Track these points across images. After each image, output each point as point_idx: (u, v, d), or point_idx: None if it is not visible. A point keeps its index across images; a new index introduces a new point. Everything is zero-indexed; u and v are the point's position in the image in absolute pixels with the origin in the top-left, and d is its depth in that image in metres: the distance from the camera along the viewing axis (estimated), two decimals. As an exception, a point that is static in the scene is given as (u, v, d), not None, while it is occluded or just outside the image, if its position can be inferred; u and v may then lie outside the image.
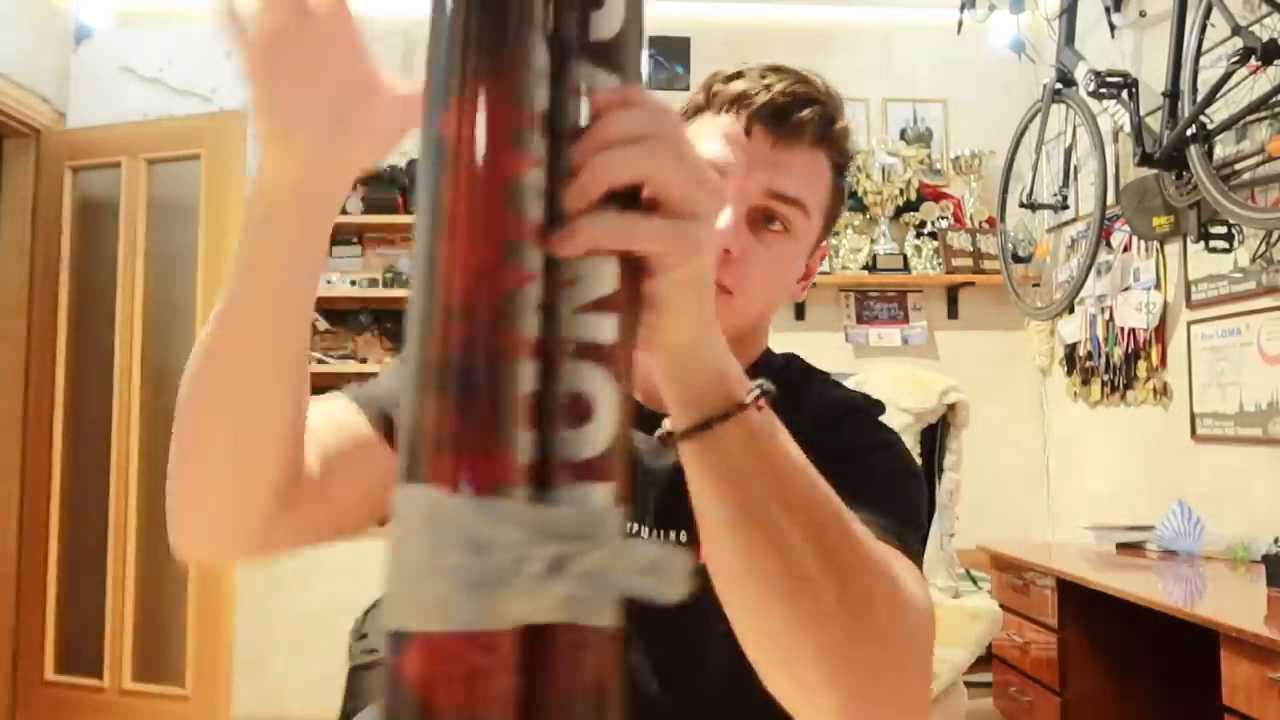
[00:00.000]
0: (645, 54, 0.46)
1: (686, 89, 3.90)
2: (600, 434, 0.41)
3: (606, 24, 0.43)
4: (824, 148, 0.86)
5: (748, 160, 0.83)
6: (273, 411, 0.65)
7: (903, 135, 4.14)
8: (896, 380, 2.20)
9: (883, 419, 0.88)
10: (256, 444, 0.65)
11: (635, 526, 0.82)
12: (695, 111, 0.88)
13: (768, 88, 0.83)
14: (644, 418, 0.58)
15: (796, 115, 0.83)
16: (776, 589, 0.56)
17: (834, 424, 0.83)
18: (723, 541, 0.57)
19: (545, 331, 0.40)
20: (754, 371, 0.86)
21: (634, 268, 0.46)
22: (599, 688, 0.40)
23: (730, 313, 0.80)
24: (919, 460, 2.21)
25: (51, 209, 3.56)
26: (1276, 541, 2.44)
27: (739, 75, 0.86)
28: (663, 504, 0.83)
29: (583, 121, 0.43)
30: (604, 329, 0.42)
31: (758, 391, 0.55)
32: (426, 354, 0.38)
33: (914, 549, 0.74)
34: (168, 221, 3.50)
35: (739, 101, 0.84)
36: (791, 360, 0.94)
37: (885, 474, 0.81)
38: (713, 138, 0.84)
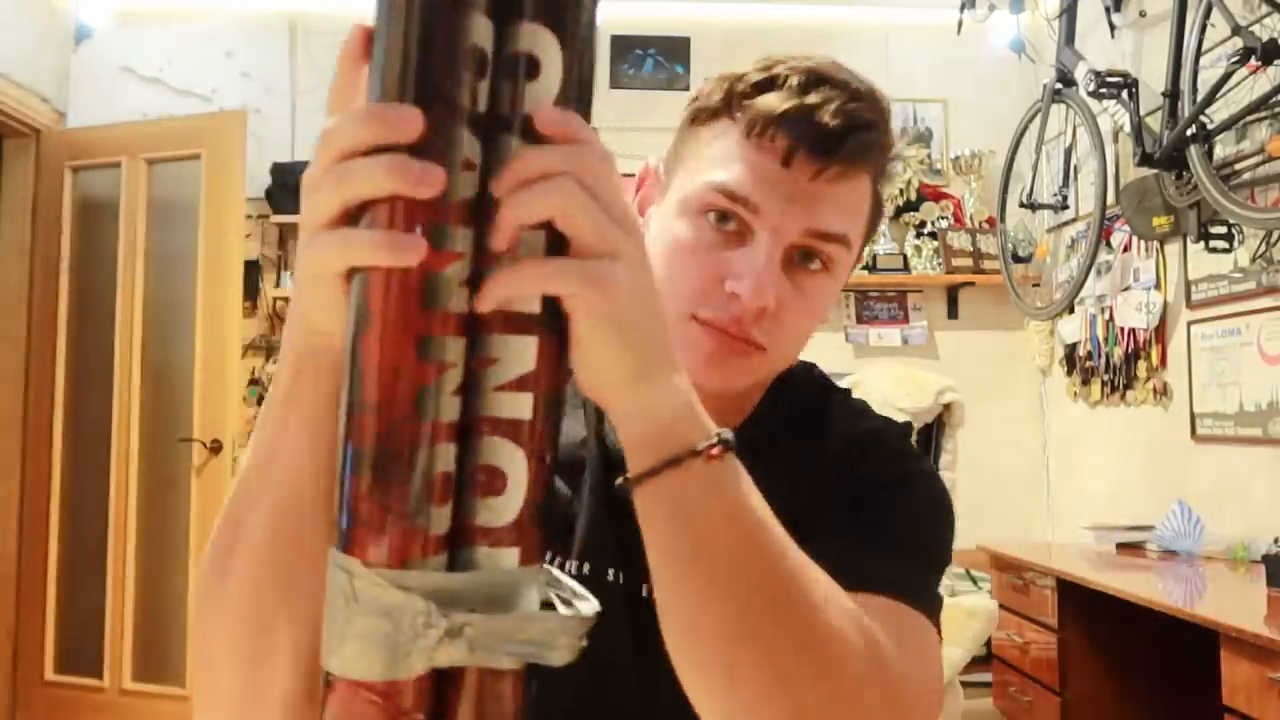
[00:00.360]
0: (586, 119, 0.46)
1: (686, 89, 3.91)
2: (512, 504, 0.45)
3: (542, 95, 0.44)
4: (872, 173, 0.74)
5: (785, 195, 0.69)
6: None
7: (902, 135, 4.14)
8: (893, 380, 2.21)
9: (908, 440, 0.82)
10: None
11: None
12: (711, 116, 0.74)
13: (812, 108, 0.69)
14: None
15: (848, 143, 0.69)
16: (715, 649, 0.52)
17: (856, 458, 0.77)
18: (663, 590, 0.54)
19: (465, 409, 0.44)
20: (774, 393, 0.81)
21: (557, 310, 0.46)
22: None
23: (763, 367, 0.74)
24: None
25: (51, 209, 3.56)
26: (1276, 541, 2.44)
27: (771, 82, 0.71)
28: None
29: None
30: (521, 406, 0.45)
31: (714, 439, 0.51)
32: (350, 440, 0.43)
33: (928, 600, 0.68)
34: (168, 221, 3.50)
35: (777, 123, 0.69)
36: (810, 378, 0.85)
37: (907, 515, 0.74)
38: (740, 167, 0.70)
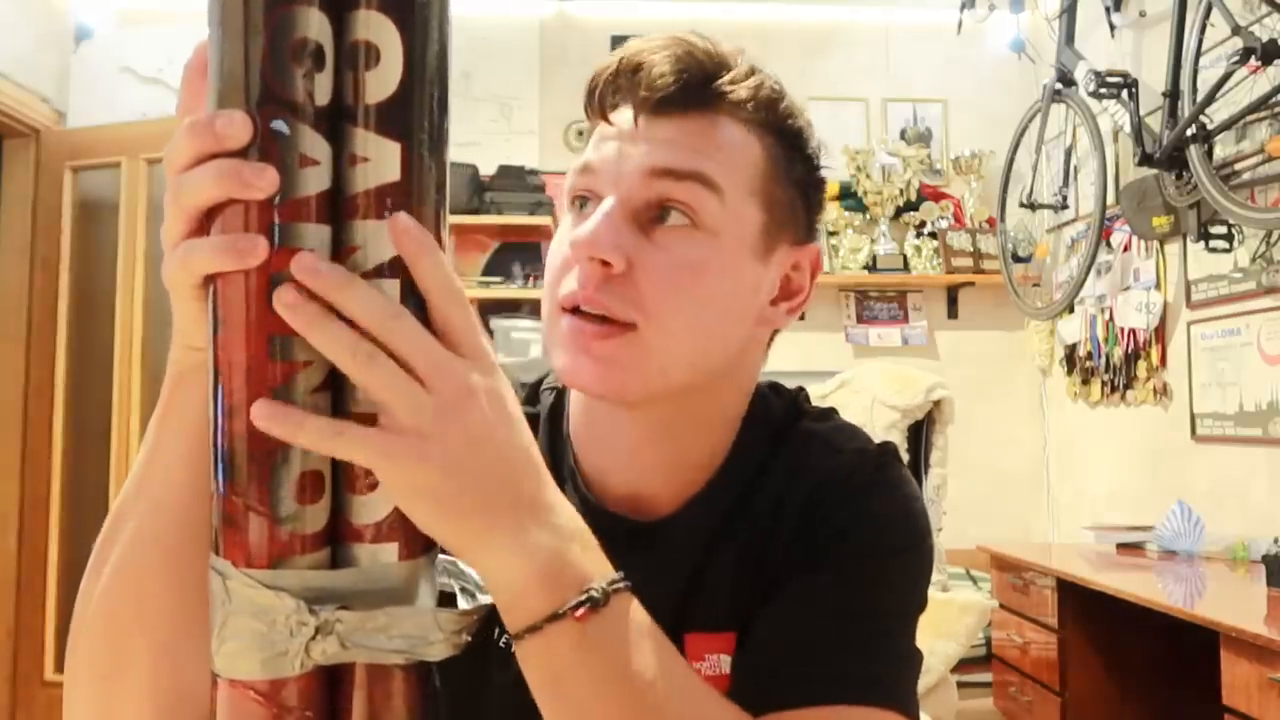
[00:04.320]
0: (437, 107, 0.45)
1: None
2: (386, 500, 0.45)
3: (383, 83, 0.43)
4: (732, 114, 0.65)
5: (621, 148, 0.64)
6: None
7: (903, 135, 4.14)
8: (884, 377, 2.21)
9: (881, 466, 0.72)
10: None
11: None
12: (589, 121, 0.69)
13: (638, 65, 0.64)
14: (603, 523, 0.53)
15: (676, 85, 0.63)
16: None
17: (821, 506, 0.68)
18: None
19: (335, 404, 0.44)
20: (739, 448, 0.70)
21: None
22: (393, 716, 0.45)
23: (642, 356, 0.61)
24: (905, 456, 2.21)
25: (51, 209, 3.56)
26: (1276, 541, 2.43)
27: (615, 64, 0.67)
28: None
29: (361, 186, 0.43)
30: None
31: (583, 597, 0.48)
32: (216, 444, 0.43)
33: (901, 694, 0.62)
34: (168, 221, 3.50)
35: (609, 91, 0.66)
36: (769, 412, 0.73)
37: (870, 586, 0.65)
38: (590, 147, 0.67)
